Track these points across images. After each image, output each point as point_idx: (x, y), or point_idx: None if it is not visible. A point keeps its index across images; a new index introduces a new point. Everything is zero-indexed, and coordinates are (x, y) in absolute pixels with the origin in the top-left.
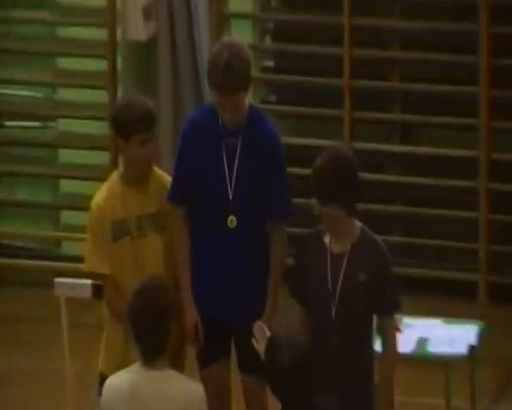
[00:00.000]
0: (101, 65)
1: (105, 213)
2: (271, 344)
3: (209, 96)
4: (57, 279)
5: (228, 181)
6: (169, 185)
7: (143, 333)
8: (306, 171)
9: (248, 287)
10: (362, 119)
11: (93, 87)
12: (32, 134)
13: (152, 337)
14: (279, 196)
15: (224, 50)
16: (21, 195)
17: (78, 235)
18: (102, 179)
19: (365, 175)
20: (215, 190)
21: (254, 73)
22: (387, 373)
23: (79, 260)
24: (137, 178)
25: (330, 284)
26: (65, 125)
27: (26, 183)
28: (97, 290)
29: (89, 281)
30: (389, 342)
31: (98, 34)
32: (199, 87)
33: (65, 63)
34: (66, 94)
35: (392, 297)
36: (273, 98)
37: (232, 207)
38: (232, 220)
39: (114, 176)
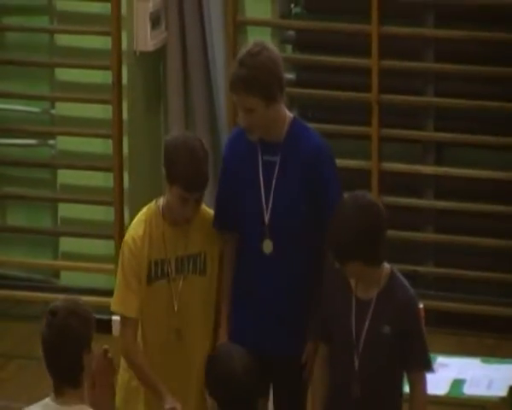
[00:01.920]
0: (104, 77)
1: (141, 250)
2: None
3: (223, 111)
4: None
5: (264, 202)
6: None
7: (54, 360)
8: None
9: (288, 318)
10: (391, 137)
11: (96, 101)
12: (28, 153)
13: (63, 366)
14: (330, 210)
15: (247, 47)
16: (16, 220)
17: (79, 264)
18: (106, 203)
19: (394, 199)
20: (251, 211)
21: None
22: None
23: (80, 291)
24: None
25: (354, 333)
26: (65, 143)
27: (21, 206)
28: (101, 326)
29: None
30: (416, 396)
31: (102, 43)
32: (212, 100)
33: (65, 75)
34: (67, 109)
35: (419, 354)
36: (295, 114)
37: (268, 231)
38: (268, 245)
39: (153, 208)
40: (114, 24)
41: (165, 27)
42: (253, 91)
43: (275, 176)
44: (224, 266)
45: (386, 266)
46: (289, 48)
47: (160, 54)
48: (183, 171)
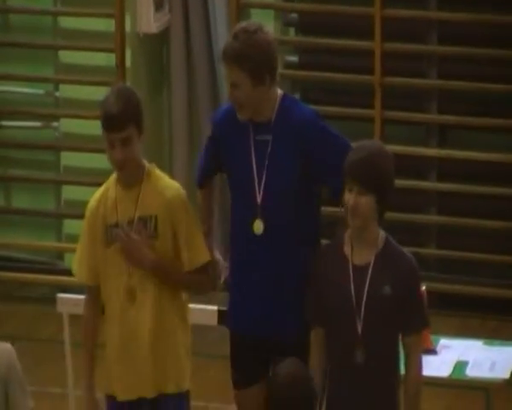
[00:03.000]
0: (108, 59)
1: (97, 217)
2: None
3: (225, 93)
4: (60, 294)
5: (256, 182)
6: (166, 190)
7: None
8: None
9: (282, 300)
10: (394, 119)
11: (99, 84)
12: (32, 135)
13: None
14: (332, 172)
15: (243, 24)
16: (20, 202)
17: None
18: None
19: (397, 181)
20: (243, 192)
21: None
22: (413, 399)
23: None
24: (127, 180)
25: (354, 299)
26: (68, 125)
27: (25, 189)
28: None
29: None
30: (413, 363)
31: (105, 25)
32: (215, 82)
33: (68, 57)
34: (70, 91)
35: (419, 313)
36: (297, 96)
37: (260, 212)
38: (258, 226)
39: (112, 177)
40: (118, 6)
41: (168, 9)
42: (242, 66)
43: (267, 155)
44: (202, 209)
45: (382, 231)
46: (292, 30)
47: (163, 36)
48: (102, 110)
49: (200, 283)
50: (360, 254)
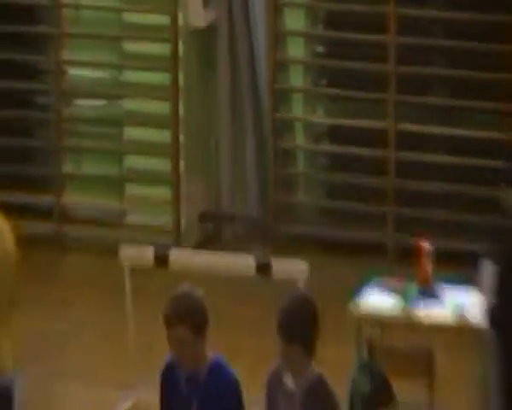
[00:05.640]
0: (164, 49)
1: None
2: None
3: (263, 78)
4: (122, 246)
5: None
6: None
7: None
8: (357, 150)
9: None
10: (404, 102)
11: (156, 69)
12: (99, 112)
13: None
14: None
15: (177, 289)
16: (88, 168)
17: (142, 207)
18: (164, 155)
19: (405, 154)
20: None
21: (307, 57)
22: None
23: (143, 228)
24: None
25: None
26: (130, 104)
27: (93, 157)
28: (160, 258)
29: (152, 248)
30: None
31: (161, 20)
32: (255, 72)
33: (130, 47)
34: (132, 75)
35: None
36: (324, 81)
37: None
38: None
39: None
40: (172, 3)
41: (215, 7)
42: (185, 323)
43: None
44: None
45: (315, 368)
46: (320, 26)
47: (210, 30)
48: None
49: None
50: (294, 382)
